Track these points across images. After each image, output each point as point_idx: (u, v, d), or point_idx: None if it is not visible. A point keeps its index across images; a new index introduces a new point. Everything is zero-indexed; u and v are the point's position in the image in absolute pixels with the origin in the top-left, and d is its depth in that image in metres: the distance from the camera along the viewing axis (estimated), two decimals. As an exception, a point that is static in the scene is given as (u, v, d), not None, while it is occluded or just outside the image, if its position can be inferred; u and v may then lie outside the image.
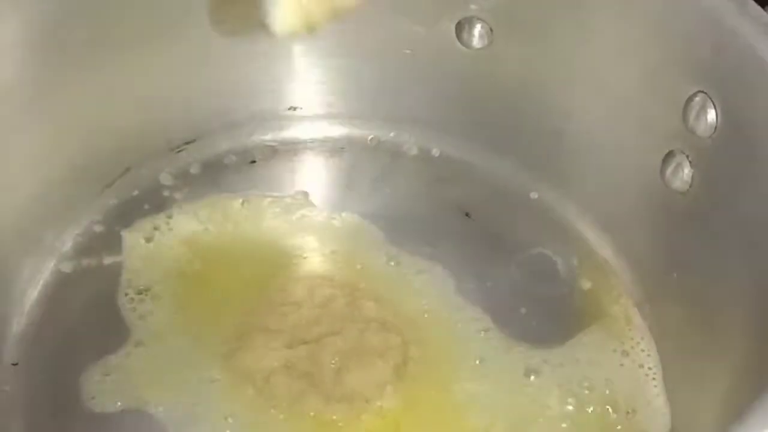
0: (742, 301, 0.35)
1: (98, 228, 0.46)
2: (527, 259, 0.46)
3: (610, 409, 0.39)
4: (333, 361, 0.40)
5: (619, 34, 0.40)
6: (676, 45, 0.38)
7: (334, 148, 0.51)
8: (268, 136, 0.51)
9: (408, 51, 0.47)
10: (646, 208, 0.42)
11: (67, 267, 0.45)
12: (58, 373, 0.41)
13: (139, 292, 0.44)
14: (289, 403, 0.39)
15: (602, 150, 0.44)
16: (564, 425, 0.39)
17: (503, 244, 0.46)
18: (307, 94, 0.50)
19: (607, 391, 0.40)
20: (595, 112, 0.43)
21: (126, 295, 0.43)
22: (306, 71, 0.49)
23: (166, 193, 0.48)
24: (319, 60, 0.49)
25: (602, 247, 0.46)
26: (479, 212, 0.48)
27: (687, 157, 0.39)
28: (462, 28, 0.46)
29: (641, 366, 0.41)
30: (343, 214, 0.47)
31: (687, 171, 0.39)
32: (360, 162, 0.50)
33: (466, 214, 0.48)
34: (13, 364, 0.41)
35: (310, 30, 0.34)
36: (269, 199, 0.48)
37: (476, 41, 0.46)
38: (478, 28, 0.45)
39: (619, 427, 0.39)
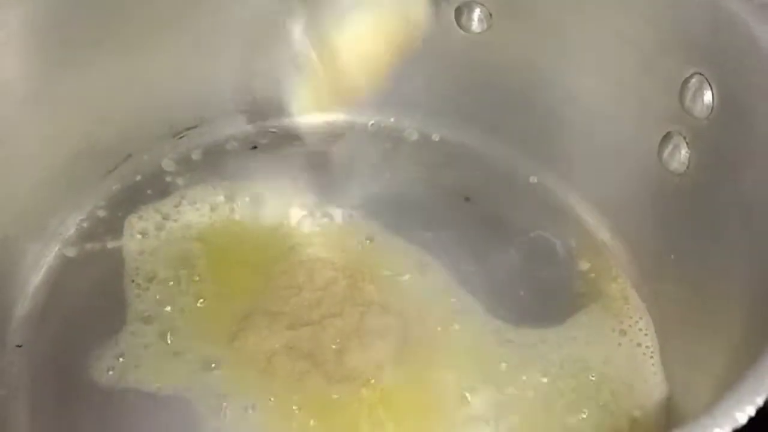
0: (738, 280, 0.35)
1: (101, 213, 0.47)
2: (526, 242, 0.46)
3: (608, 387, 0.40)
4: (334, 343, 0.41)
5: (616, 16, 0.40)
6: (673, 27, 0.38)
7: (335, 133, 0.51)
8: (270, 122, 0.51)
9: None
10: (644, 190, 0.43)
11: (70, 252, 0.45)
12: (62, 355, 0.41)
13: (142, 277, 0.44)
14: (291, 383, 0.40)
15: (600, 133, 0.44)
16: (563, 403, 0.39)
17: (502, 227, 0.47)
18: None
19: (605, 370, 0.40)
20: (594, 95, 0.44)
21: (129, 279, 0.44)
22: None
23: (168, 179, 0.48)
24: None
25: (600, 229, 0.46)
26: (479, 196, 0.48)
27: (684, 138, 0.39)
28: (461, 12, 0.46)
29: (639, 345, 0.41)
30: (344, 199, 0.48)
31: (684, 152, 0.39)
32: (360, 147, 0.50)
33: (466, 198, 0.48)
34: (18, 346, 0.41)
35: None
36: (271, 185, 0.48)
37: (475, 25, 0.46)
38: (477, 13, 0.46)
39: (617, 404, 0.39)
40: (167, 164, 0.49)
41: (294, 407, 0.39)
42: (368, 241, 0.46)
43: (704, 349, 0.36)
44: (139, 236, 0.46)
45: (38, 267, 0.44)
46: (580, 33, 0.42)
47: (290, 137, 0.51)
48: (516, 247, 0.46)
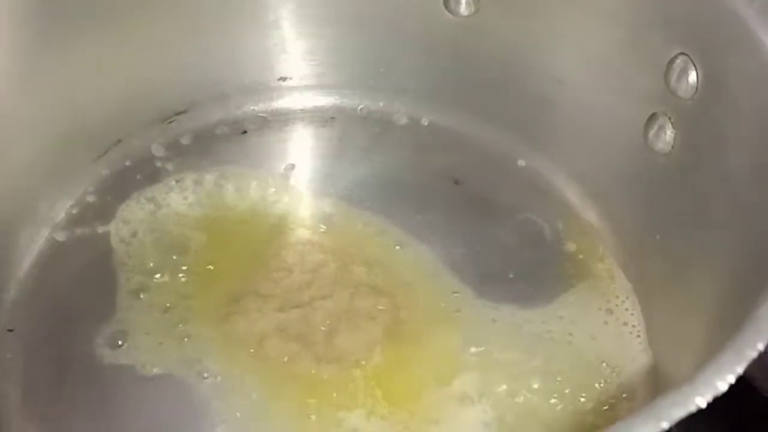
0: (720, 258, 0.36)
1: (91, 198, 0.47)
2: (515, 225, 0.46)
3: (595, 365, 0.40)
4: (324, 324, 0.41)
5: (601, -2, 0.41)
6: (657, 8, 0.38)
7: (325, 118, 0.51)
8: (259, 107, 0.51)
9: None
10: (630, 171, 0.43)
11: (61, 236, 0.45)
12: (53, 339, 0.41)
13: (132, 261, 0.44)
14: (282, 364, 0.40)
15: (587, 115, 0.45)
16: (550, 381, 0.40)
17: (491, 210, 0.47)
18: (297, 65, 0.51)
19: (593, 348, 0.41)
20: (580, 77, 0.44)
21: (119, 263, 0.44)
22: (295, 41, 0.50)
23: (158, 164, 0.48)
24: (309, 30, 0.49)
25: (587, 211, 0.46)
26: (468, 179, 0.48)
27: (669, 119, 0.39)
28: (449, -6, 0.46)
29: (625, 324, 0.42)
30: (334, 183, 0.48)
31: (669, 133, 0.39)
32: (350, 131, 0.51)
33: (455, 182, 0.48)
34: (9, 330, 0.42)
35: None
36: (261, 169, 0.48)
37: (463, 8, 0.46)
38: (464, -5, 0.46)
39: (604, 383, 0.40)
40: (157, 149, 0.49)
41: (285, 389, 0.39)
42: (358, 224, 0.46)
43: (689, 326, 0.36)
44: (128, 221, 0.46)
45: (29, 251, 0.44)
46: (566, 15, 0.43)
47: (280, 122, 0.51)
48: (504, 230, 0.46)
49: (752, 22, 0.34)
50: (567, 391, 0.39)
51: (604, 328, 0.42)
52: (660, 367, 0.40)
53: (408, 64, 0.50)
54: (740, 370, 0.24)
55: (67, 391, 0.40)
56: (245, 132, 0.50)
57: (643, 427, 0.22)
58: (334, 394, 0.39)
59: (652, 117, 0.40)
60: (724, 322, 0.32)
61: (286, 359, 0.40)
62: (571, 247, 0.45)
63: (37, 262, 0.44)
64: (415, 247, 0.45)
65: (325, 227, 0.46)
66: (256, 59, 0.50)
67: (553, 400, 0.39)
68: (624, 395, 0.39)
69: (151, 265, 0.44)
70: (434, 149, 0.50)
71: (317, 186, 0.48)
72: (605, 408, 0.39)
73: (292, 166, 0.49)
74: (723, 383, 0.23)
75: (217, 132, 0.50)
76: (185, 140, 0.50)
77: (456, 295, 0.43)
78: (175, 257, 0.44)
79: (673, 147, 0.39)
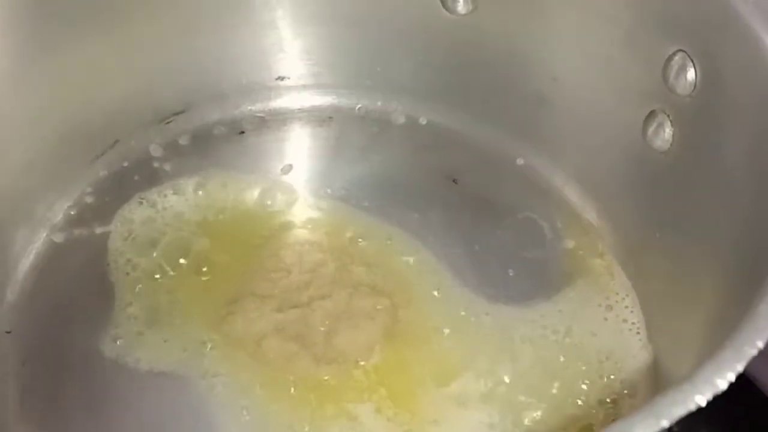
0: (720, 256, 0.35)
1: (89, 199, 0.47)
2: (513, 223, 0.46)
3: (595, 362, 0.40)
4: (323, 325, 0.41)
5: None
6: (655, 4, 0.38)
7: (322, 117, 0.51)
8: (257, 107, 0.51)
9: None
10: (629, 169, 0.43)
11: (58, 237, 0.45)
12: (51, 341, 0.41)
13: (130, 262, 0.44)
14: (281, 364, 0.40)
15: (586, 113, 0.45)
16: (550, 378, 0.40)
17: (490, 209, 0.47)
18: (294, 64, 0.51)
19: (592, 344, 0.41)
20: (579, 75, 0.44)
21: (117, 264, 0.44)
22: (293, 41, 0.50)
23: (155, 165, 0.48)
24: (306, 29, 0.49)
25: (586, 209, 0.46)
26: (466, 178, 0.48)
27: (668, 116, 0.39)
28: (446, -7, 0.46)
29: (625, 321, 0.42)
30: (332, 183, 0.48)
31: (668, 130, 0.39)
32: (348, 131, 0.51)
33: (454, 181, 0.48)
34: (7, 332, 0.41)
35: None
36: (259, 169, 0.48)
37: (461, 7, 0.46)
38: (462, -6, 0.46)
39: (607, 379, 0.40)
40: (155, 150, 0.49)
41: (284, 389, 0.39)
42: (357, 224, 0.46)
43: (689, 323, 0.36)
44: (126, 222, 0.46)
45: (26, 253, 0.44)
46: (564, 13, 0.42)
47: (277, 122, 0.51)
48: (503, 228, 0.46)
49: (751, 18, 0.34)
50: (568, 388, 0.39)
51: (604, 324, 0.42)
52: (660, 364, 0.40)
53: (406, 63, 0.49)
54: (740, 368, 0.24)
55: (65, 393, 0.40)
56: (243, 132, 0.50)
57: (643, 425, 0.22)
58: (334, 394, 0.39)
59: (651, 114, 0.40)
60: (723, 319, 0.32)
61: (284, 359, 0.40)
62: (570, 244, 0.45)
63: (34, 264, 0.44)
64: (414, 246, 0.45)
65: (323, 227, 0.46)
66: (253, 59, 0.50)
67: (553, 396, 0.39)
68: (626, 391, 0.39)
69: (149, 265, 0.44)
70: (432, 148, 0.50)
71: (315, 185, 0.48)
72: (608, 405, 0.39)
73: (290, 166, 0.49)
74: (723, 381, 0.23)
75: (215, 132, 0.50)
76: (183, 140, 0.50)
77: (455, 294, 0.43)
78: (173, 258, 0.44)
79: (671, 144, 0.39)
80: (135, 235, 0.45)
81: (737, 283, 0.32)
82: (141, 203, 0.47)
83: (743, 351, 0.24)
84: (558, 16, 0.43)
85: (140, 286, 0.43)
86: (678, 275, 0.39)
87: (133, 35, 0.45)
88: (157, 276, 0.43)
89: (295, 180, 0.48)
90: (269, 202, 0.47)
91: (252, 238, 0.45)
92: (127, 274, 0.44)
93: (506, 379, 0.40)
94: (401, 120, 0.51)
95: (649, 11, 0.38)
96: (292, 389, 0.39)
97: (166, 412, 0.39)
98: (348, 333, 0.41)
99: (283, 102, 0.51)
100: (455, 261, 0.44)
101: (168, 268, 0.44)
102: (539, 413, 0.39)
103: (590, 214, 0.46)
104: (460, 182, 0.48)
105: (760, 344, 0.25)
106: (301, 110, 0.51)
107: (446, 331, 0.42)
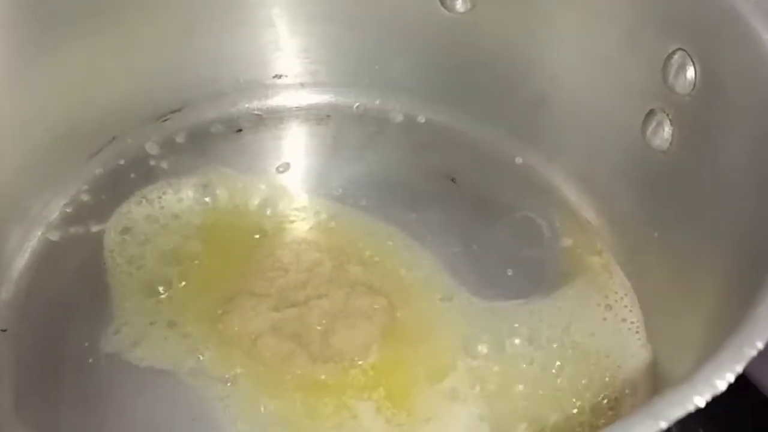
0: (718, 256, 0.35)
1: (85, 197, 0.47)
2: (512, 222, 0.46)
3: (593, 361, 0.40)
4: (320, 324, 0.41)
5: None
6: (655, 3, 0.38)
7: (320, 115, 0.51)
8: (254, 105, 0.51)
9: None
10: (628, 168, 0.43)
11: (54, 235, 0.45)
12: (47, 339, 0.41)
13: (126, 260, 0.44)
14: (277, 363, 0.40)
15: (584, 112, 0.44)
16: (549, 378, 0.39)
17: (488, 207, 0.47)
18: (292, 63, 0.50)
19: (591, 344, 0.41)
20: (577, 74, 0.44)
21: (113, 262, 0.44)
22: (290, 39, 0.50)
23: (152, 162, 0.48)
24: (303, 27, 0.49)
25: (585, 208, 0.46)
26: (464, 177, 0.48)
27: (667, 115, 0.39)
28: (445, -8, 0.46)
29: (624, 320, 0.42)
30: (330, 182, 0.48)
31: (667, 129, 0.39)
32: (345, 130, 0.50)
33: (452, 180, 0.48)
34: (2, 330, 0.41)
35: None
36: (256, 168, 0.48)
37: (459, 5, 0.46)
38: (461, -8, 0.46)
39: (603, 379, 0.40)
40: (151, 147, 0.49)
41: (281, 388, 0.39)
42: (354, 223, 0.46)
43: (688, 323, 0.36)
44: (123, 220, 0.46)
45: (22, 251, 0.44)
46: (563, 12, 0.42)
47: (275, 120, 0.51)
48: (501, 227, 0.46)
49: (750, 16, 0.34)
50: (566, 387, 0.39)
51: (603, 324, 0.41)
52: (660, 364, 0.39)
53: (404, 61, 0.49)
54: (739, 369, 0.24)
55: (60, 392, 0.40)
56: (240, 130, 0.50)
57: (642, 426, 0.22)
58: (330, 393, 0.39)
59: (650, 113, 0.40)
60: (722, 319, 0.32)
61: (281, 358, 0.40)
62: (568, 243, 0.45)
63: (30, 262, 0.44)
64: (412, 245, 0.45)
65: (320, 226, 0.46)
66: (250, 57, 0.50)
67: (552, 396, 0.39)
68: (626, 391, 0.39)
69: (146, 263, 0.44)
70: (430, 147, 0.50)
71: (312, 184, 0.48)
72: (607, 404, 0.39)
73: (288, 164, 0.49)
74: (722, 382, 0.23)
75: (211, 130, 0.50)
76: (180, 138, 0.49)
77: (453, 293, 0.43)
78: (168, 256, 0.44)
79: (671, 143, 0.39)
80: (131, 233, 0.45)
81: (737, 283, 0.32)
82: (137, 201, 0.46)
83: (742, 352, 0.24)
84: (557, 15, 0.43)
85: (135, 284, 0.43)
86: (677, 274, 0.39)
87: (130, 33, 0.45)
88: (152, 274, 0.43)
89: (293, 178, 0.48)
90: (266, 201, 0.47)
91: (249, 237, 0.45)
92: (123, 272, 0.43)
93: (505, 378, 0.39)
94: (399, 119, 0.51)
95: (649, 11, 0.38)
96: (288, 388, 0.39)
97: (162, 411, 0.39)
98: (345, 332, 0.41)
99: (281, 100, 0.51)
100: (453, 260, 0.44)
101: (163, 267, 0.44)
102: (538, 413, 0.38)
103: (589, 212, 0.46)
104: (458, 181, 0.48)
105: (760, 345, 0.24)
106: (299, 108, 0.51)
107: (443, 330, 0.41)
